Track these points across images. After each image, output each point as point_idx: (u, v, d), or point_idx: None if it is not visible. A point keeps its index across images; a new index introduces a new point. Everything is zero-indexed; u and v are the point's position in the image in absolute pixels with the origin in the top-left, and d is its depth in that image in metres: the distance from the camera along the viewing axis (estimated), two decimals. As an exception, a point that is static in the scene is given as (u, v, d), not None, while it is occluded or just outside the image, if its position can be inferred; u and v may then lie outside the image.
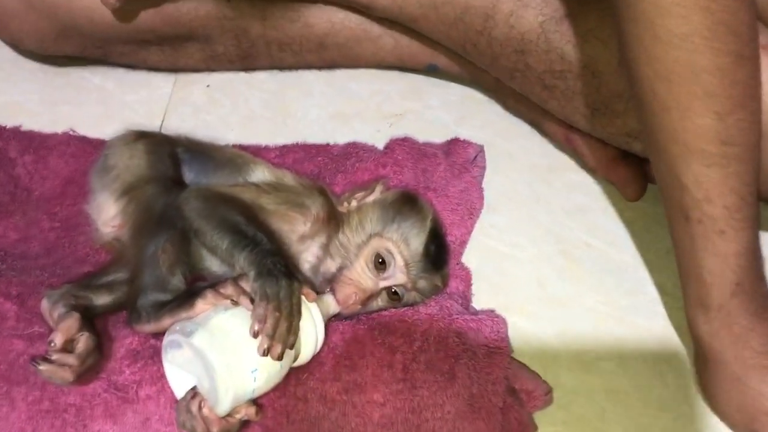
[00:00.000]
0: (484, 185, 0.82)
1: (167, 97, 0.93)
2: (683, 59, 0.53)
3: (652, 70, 0.55)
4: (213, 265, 0.66)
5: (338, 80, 0.95)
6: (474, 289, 0.74)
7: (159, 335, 0.60)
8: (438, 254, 0.66)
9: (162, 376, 0.60)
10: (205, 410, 0.54)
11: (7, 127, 0.83)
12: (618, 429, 0.66)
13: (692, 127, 0.56)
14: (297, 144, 0.85)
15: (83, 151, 0.81)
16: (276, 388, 0.59)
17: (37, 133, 0.83)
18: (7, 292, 0.66)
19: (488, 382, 0.63)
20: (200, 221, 0.62)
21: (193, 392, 0.55)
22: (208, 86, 0.94)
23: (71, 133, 0.84)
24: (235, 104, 0.93)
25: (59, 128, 0.85)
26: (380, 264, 0.64)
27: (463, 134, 0.86)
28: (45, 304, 0.62)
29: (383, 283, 0.65)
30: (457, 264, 0.74)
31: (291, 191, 0.68)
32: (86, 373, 0.59)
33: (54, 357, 0.57)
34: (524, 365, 0.68)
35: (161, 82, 0.94)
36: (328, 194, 0.70)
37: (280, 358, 0.54)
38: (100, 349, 0.61)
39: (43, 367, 0.57)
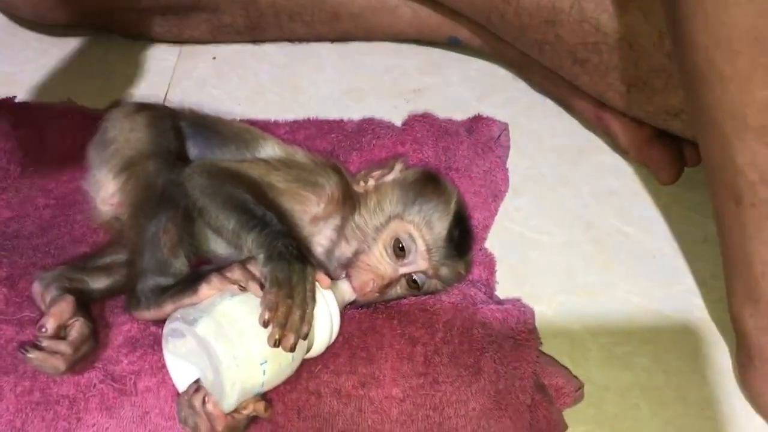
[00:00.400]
0: (507, 167, 0.77)
1: (171, 70, 0.88)
2: (748, 24, 0.48)
3: (710, 37, 0.50)
4: (219, 247, 0.61)
5: (352, 54, 0.90)
6: (497, 276, 0.69)
7: (160, 323, 0.55)
8: (462, 239, 0.61)
9: (162, 367, 0.55)
10: (209, 405, 0.50)
11: (0, 98, 0.78)
12: (653, 429, 0.61)
13: (752, 101, 0.50)
14: (308, 119, 0.80)
15: (82, 124, 0.76)
16: (287, 382, 0.54)
17: (32, 104, 0.79)
18: (-3, 272, 0.61)
19: (515, 377, 0.58)
20: (205, 199, 0.57)
21: (197, 385, 0.50)
22: (214, 59, 0.90)
23: (69, 103, 0.79)
24: (242, 78, 0.87)
25: (58, 101, 0.80)
26: (400, 249, 0.59)
27: (485, 112, 0.81)
28: (36, 287, 0.58)
29: (403, 270, 0.60)
30: (480, 250, 0.69)
31: (303, 168, 0.63)
32: (80, 363, 0.55)
33: (44, 344, 0.53)
34: (553, 359, 0.63)
35: (165, 54, 0.90)
36: (342, 172, 0.65)
37: (292, 349, 0.49)
38: (96, 336, 0.56)
39: (32, 354, 0.52)
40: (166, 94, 0.85)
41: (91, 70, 0.87)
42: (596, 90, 0.75)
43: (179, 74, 0.88)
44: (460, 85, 0.86)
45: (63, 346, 0.53)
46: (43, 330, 0.53)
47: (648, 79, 0.71)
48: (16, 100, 0.78)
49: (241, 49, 0.90)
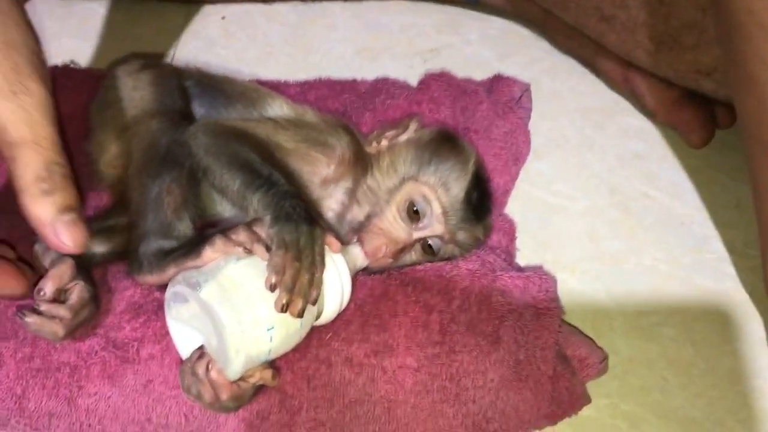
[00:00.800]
0: (529, 129, 0.73)
1: (179, 30, 0.85)
2: None
3: None
4: (224, 209, 0.58)
5: (366, 12, 0.86)
6: (518, 243, 0.66)
7: (163, 288, 0.53)
8: (480, 202, 0.58)
9: (166, 334, 0.53)
10: (213, 373, 0.47)
11: None
12: (681, 402, 0.58)
13: None
14: (320, 80, 0.76)
15: (85, 84, 0.73)
16: (295, 350, 0.51)
17: (34, 65, 0.75)
18: (-5, 235, 0.59)
19: (537, 347, 0.55)
20: (209, 158, 0.54)
21: (200, 352, 0.48)
22: (223, 18, 0.86)
23: (72, 65, 0.76)
24: (252, 38, 0.84)
25: (60, 62, 0.77)
26: (414, 212, 0.56)
27: (506, 72, 0.77)
28: (37, 249, 0.55)
29: (417, 234, 0.57)
30: (500, 215, 0.66)
31: (313, 128, 0.60)
32: (79, 328, 0.53)
33: (43, 308, 0.51)
34: (576, 329, 0.61)
35: (173, 14, 0.87)
36: (354, 133, 0.61)
37: (300, 315, 0.47)
38: (97, 301, 0.54)
39: (30, 319, 0.50)
40: (173, 55, 0.82)
41: (96, 30, 0.84)
42: (623, 49, 0.71)
43: (187, 35, 0.84)
44: (479, 45, 0.82)
45: (62, 311, 0.51)
46: (42, 293, 0.51)
47: (679, 35, 0.67)
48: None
49: (251, 8, 0.87)
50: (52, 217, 0.43)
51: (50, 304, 0.51)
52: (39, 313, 0.50)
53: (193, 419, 0.53)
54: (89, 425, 0.53)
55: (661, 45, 0.68)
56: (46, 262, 0.54)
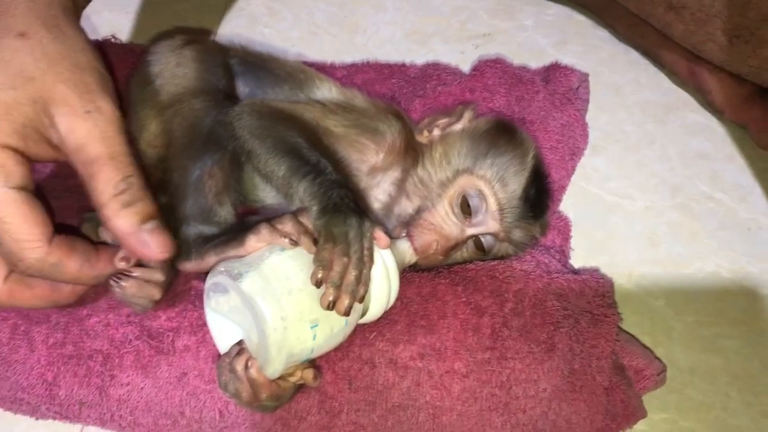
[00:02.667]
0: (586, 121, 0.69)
1: (222, 7, 0.82)
2: None
3: None
4: (267, 196, 0.55)
5: (416, -6, 0.82)
6: (572, 243, 0.62)
7: (201, 276, 0.50)
8: (538, 199, 0.54)
9: (203, 325, 0.51)
10: (252, 371, 0.44)
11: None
12: (745, 422, 0.54)
13: None
14: (367, 63, 0.73)
15: (125, 59, 0.71)
16: (338, 349, 0.49)
17: (74, 38, 0.73)
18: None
19: (592, 356, 0.52)
20: (254, 141, 0.51)
21: (239, 348, 0.45)
22: (267, -4, 0.83)
23: (112, 39, 0.73)
24: (297, 17, 0.81)
25: (101, 36, 0.75)
26: (468, 207, 0.53)
27: (562, 61, 0.73)
28: (88, 228, 0.53)
29: (471, 231, 0.53)
30: (554, 213, 0.62)
31: (362, 114, 0.57)
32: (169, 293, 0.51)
33: (137, 273, 0.48)
34: (633, 338, 0.57)
35: (215, -10, 0.83)
36: (405, 120, 0.58)
37: (347, 313, 0.44)
38: (174, 265, 0.51)
39: (126, 283, 0.47)
40: (215, 33, 0.79)
41: (136, 5, 0.82)
42: (691, 41, 0.67)
43: (231, 12, 0.81)
44: (534, 31, 0.78)
45: (156, 274, 0.48)
46: (128, 262, 0.47)
47: (756, 28, 0.62)
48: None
49: (297, -14, 0.84)
50: (135, 228, 0.43)
51: (142, 268, 0.48)
52: (133, 278, 0.48)
53: (228, 415, 0.50)
54: (120, 416, 0.51)
55: (736, 38, 0.63)
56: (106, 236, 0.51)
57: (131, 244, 0.43)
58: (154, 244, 0.43)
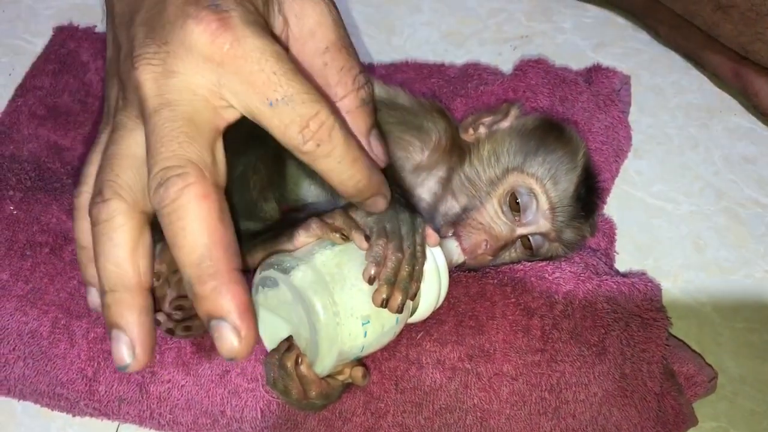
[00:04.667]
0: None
1: (257, 7, 0.81)
2: None
3: None
4: (308, 194, 0.54)
5: (453, -5, 0.82)
6: (616, 247, 0.61)
7: (245, 272, 0.49)
8: (589, 198, 0.53)
9: (246, 322, 0.50)
10: (302, 367, 0.43)
11: (80, 27, 0.73)
12: (797, 431, 0.52)
13: None
14: (407, 62, 0.72)
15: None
16: (384, 348, 0.47)
17: (112, 35, 0.73)
18: (71, 210, 0.56)
19: (643, 360, 0.50)
20: None
21: (288, 344, 0.44)
22: (303, -4, 0.82)
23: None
24: (333, 18, 0.80)
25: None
26: (518, 206, 0.51)
27: (603, 64, 0.71)
28: None
29: (521, 230, 0.52)
30: (599, 215, 0.61)
31: (407, 111, 0.56)
32: None
33: None
34: (683, 343, 0.55)
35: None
36: (449, 118, 0.57)
37: (399, 310, 0.42)
38: None
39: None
40: (250, 32, 0.78)
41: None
42: (739, 41, 0.66)
43: (265, 12, 0.81)
44: (573, 33, 0.77)
45: None
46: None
47: (807, 27, 0.61)
48: (96, 30, 0.73)
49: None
50: (368, 129, 0.41)
51: None
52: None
53: (270, 415, 0.49)
54: (160, 414, 0.50)
55: (786, 38, 0.62)
56: None
57: (362, 144, 0.40)
58: (379, 151, 0.41)
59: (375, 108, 0.42)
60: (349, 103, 0.40)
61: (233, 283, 0.34)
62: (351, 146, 0.38)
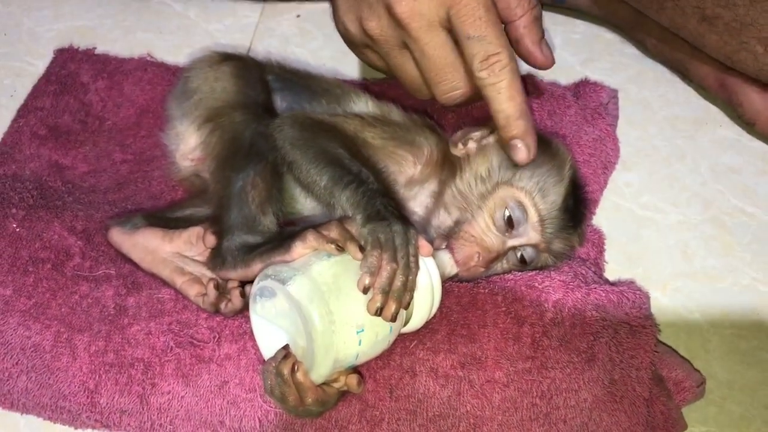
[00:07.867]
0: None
1: (253, 27, 0.83)
2: None
3: None
4: (305, 207, 0.56)
5: (445, 13, 0.83)
6: (606, 257, 0.62)
7: (244, 284, 0.51)
8: (577, 209, 0.54)
9: (244, 333, 0.51)
10: (299, 375, 0.44)
11: (80, 49, 0.75)
12: (786, 435, 0.54)
13: None
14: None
15: (161, 77, 0.72)
16: (379, 357, 0.49)
17: (111, 56, 0.75)
18: (72, 227, 0.58)
19: (632, 366, 0.52)
20: (295, 152, 0.52)
21: (285, 352, 0.45)
22: (298, 16, 0.85)
23: (148, 58, 0.75)
24: (327, 37, 0.82)
25: (137, 55, 0.76)
26: (509, 219, 0.53)
27: (591, 78, 0.73)
28: (116, 234, 0.54)
29: (511, 242, 0.53)
30: (588, 226, 0.62)
31: (399, 127, 0.58)
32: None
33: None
34: (672, 350, 0.57)
35: (247, 11, 0.85)
36: (440, 133, 0.59)
37: (393, 319, 0.44)
38: None
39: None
40: (247, 53, 0.80)
41: (170, 25, 0.83)
42: (724, 51, 0.67)
43: (261, 32, 0.83)
44: (562, 49, 0.79)
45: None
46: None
47: (792, 35, 0.62)
48: (96, 52, 0.75)
49: (327, 6, 0.84)
50: (540, 39, 0.59)
51: None
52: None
53: (268, 424, 0.50)
54: (160, 425, 0.51)
55: (772, 47, 0.64)
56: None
57: (535, 50, 0.58)
58: (547, 53, 0.59)
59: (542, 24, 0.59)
60: (526, 20, 0.58)
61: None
62: (513, 87, 0.52)
